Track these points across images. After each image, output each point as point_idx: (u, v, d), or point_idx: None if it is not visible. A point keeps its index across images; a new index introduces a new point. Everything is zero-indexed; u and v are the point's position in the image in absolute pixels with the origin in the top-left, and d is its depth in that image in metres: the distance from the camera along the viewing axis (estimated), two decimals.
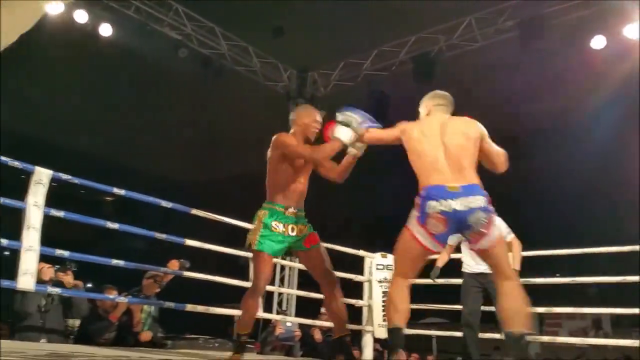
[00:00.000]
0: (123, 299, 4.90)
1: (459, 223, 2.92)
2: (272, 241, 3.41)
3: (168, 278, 5.29)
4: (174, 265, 5.05)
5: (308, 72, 10.50)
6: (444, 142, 3.07)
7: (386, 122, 9.96)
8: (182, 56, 8.81)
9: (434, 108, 3.36)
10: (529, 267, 5.28)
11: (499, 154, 3.23)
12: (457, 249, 5.42)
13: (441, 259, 5.28)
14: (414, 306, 6.21)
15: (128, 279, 5.42)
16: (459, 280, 5.67)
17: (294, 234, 3.45)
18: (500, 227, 3.06)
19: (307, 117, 3.73)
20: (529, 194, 12.18)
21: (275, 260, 6.74)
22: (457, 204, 2.88)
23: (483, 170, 3.16)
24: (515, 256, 4.92)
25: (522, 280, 5.17)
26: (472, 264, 5.04)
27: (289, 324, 6.96)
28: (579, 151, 10.50)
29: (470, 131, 3.13)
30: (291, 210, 3.47)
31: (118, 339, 5.12)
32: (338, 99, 10.40)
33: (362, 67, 9.89)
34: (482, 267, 4.89)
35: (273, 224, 3.42)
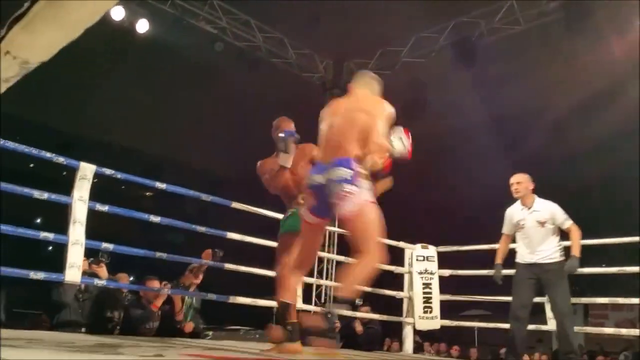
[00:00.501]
0: (166, 291, 4.95)
1: (322, 195, 3.00)
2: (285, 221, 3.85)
3: (203, 269, 5.33)
4: (207, 254, 5.10)
5: (344, 62, 10.43)
6: (333, 122, 3.17)
7: (425, 111, 9.80)
8: (218, 50, 8.86)
9: (353, 88, 3.43)
10: None
11: (376, 145, 3.08)
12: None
13: (500, 254, 4.97)
14: (457, 297, 6.22)
15: (164, 271, 5.49)
16: (505, 271, 5.59)
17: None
18: (366, 200, 2.93)
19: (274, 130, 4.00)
20: (587, 180, 11.91)
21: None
22: (321, 177, 3.01)
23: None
24: (574, 243, 4.63)
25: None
26: (526, 253, 4.75)
27: (329, 315, 6.94)
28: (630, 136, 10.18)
29: (363, 108, 3.16)
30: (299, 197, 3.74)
31: (161, 329, 5.19)
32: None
33: (399, 55, 9.76)
34: (535, 257, 4.65)
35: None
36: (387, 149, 3.13)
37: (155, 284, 4.99)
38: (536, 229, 4.68)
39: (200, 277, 5.28)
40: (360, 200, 2.91)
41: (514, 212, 4.85)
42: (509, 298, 5.28)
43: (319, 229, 3.17)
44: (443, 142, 11.35)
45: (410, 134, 3.27)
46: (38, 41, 0.98)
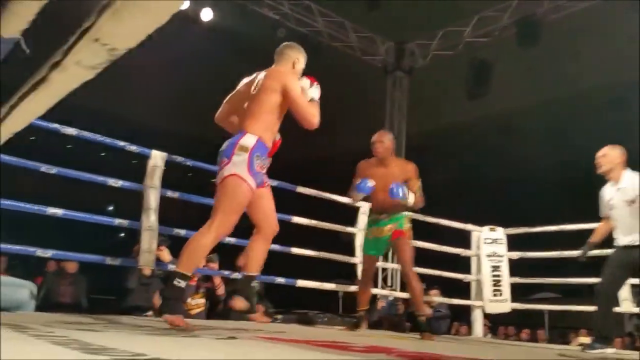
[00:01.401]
0: (227, 273, 5.05)
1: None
2: (367, 244, 4.43)
3: None
4: None
5: (406, 43, 10.30)
6: (249, 96, 3.16)
7: (489, 90, 9.54)
8: (281, 36, 8.90)
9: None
10: None
11: (301, 107, 3.10)
12: None
13: (595, 235, 4.38)
14: (527, 280, 6.09)
15: (234, 255, 5.61)
16: (575, 252, 5.45)
17: (381, 235, 4.28)
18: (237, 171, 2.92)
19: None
20: None
21: None
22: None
23: None
24: None
25: None
26: (619, 235, 4.13)
27: (390, 298, 6.95)
28: None
29: (266, 83, 3.11)
30: (383, 216, 4.26)
31: (218, 310, 5.33)
32: (437, 70, 10.16)
33: (462, 35, 9.55)
34: (627, 239, 4.05)
35: (368, 230, 4.43)
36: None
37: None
38: (624, 208, 4.05)
39: None
40: (226, 173, 2.93)
41: (605, 191, 4.24)
42: (581, 280, 5.10)
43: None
44: (509, 121, 11.09)
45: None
46: (126, 27, 1.00)
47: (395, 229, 4.22)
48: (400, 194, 4.04)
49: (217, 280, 5.29)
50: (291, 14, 9.08)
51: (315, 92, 3.23)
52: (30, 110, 1.38)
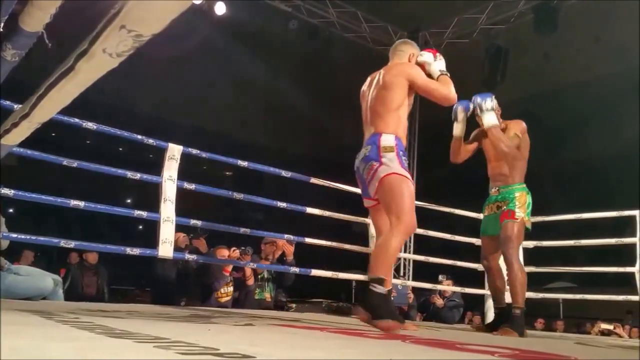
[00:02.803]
0: (254, 265, 5.12)
1: (360, 176, 3.08)
2: (482, 223, 4.09)
3: (278, 253, 5.51)
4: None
5: (419, 32, 10.24)
6: (369, 95, 3.18)
7: (505, 79, 9.44)
8: (293, 28, 8.91)
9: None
10: None
11: (433, 91, 3.12)
12: None
13: None
14: (541, 269, 6.08)
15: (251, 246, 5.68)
16: (591, 241, 5.44)
17: (490, 212, 3.98)
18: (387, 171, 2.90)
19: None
20: None
21: None
22: (357, 158, 3.07)
23: None
24: None
25: None
26: None
27: (399, 287, 6.98)
28: None
29: (387, 79, 3.09)
30: (493, 190, 3.97)
31: (241, 297, 5.40)
32: (452, 59, 10.09)
33: (477, 22, 9.45)
34: None
35: (483, 208, 4.09)
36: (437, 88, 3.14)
37: (224, 252, 5.16)
38: None
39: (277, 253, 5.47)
40: (382, 174, 2.91)
41: None
42: (596, 269, 5.11)
43: (378, 210, 3.13)
44: (526, 109, 11.01)
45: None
46: (152, 13, 1.00)
47: (504, 209, 3.81)
48: (479, 100, 3.85)
49: (249, 272, 5.38)
50: (303, 6, 9.07)
51: (440, 64, 3.21)
52: (57, 100, 1.41)
